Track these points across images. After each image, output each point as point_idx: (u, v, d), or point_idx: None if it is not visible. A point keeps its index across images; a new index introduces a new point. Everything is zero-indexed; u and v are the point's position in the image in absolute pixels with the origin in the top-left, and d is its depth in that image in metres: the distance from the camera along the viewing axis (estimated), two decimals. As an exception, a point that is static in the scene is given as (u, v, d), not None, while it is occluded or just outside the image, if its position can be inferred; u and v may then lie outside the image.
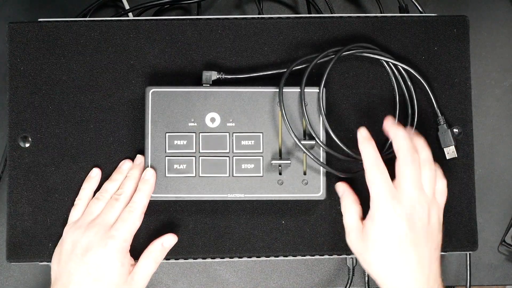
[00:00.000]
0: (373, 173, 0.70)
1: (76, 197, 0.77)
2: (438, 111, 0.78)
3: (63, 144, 0.78)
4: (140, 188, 0.74)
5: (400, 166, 0.70)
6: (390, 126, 0.72)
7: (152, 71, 0.79)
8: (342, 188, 0.76)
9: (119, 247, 0.72)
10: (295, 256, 0.79)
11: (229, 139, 0.75)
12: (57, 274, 0.72)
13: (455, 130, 0.79)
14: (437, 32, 0.80)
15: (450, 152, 0.78)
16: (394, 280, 0.69)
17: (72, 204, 0.77)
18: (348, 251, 0.78)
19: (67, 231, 0.74)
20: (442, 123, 0.78)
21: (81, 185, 0.77)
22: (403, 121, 0.78)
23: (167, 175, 0.75)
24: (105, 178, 0.77)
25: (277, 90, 0.76)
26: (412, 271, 0.68)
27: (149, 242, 0.77)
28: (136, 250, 0.76)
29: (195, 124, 0.75)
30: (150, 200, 0.76)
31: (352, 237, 0.72)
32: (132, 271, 0.73)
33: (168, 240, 0.76)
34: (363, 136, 0.72)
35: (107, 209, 0.74)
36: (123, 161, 0.77)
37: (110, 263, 0.71)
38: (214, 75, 0.77)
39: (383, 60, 0.77)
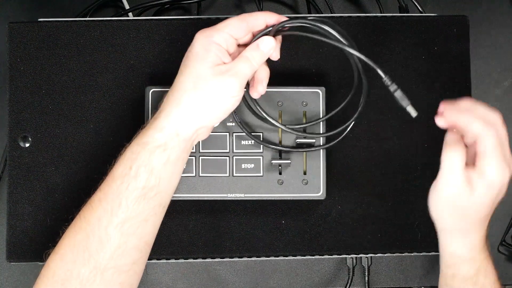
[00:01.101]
0: (493, 142, 0.64)
1: (75, 197, 0.77)
2: (380, 72, 0.67)
3: (63, 144, 0.78)
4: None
5: (491, 150, 0.65)
6: (455, 114, 0.66)
7: (152, 71, 0.79)
8: (456, 139, 0.66)
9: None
10: (295, 256, 0.79)
11: (229, 138, 0.75)
12: None
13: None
14: (437, 32, 0.80)
15: (412, 110, 0.69)
16: (477, 233, 0.68)
17: (72, 204, 0.77)
18: (348, 251, 0.78)
19: None
20: (389, 83, 0.68)
21: (81, 186, 0.77)
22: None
23: (167, 175, 0.75)
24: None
25: (278, 90, 0.76)
26: (487, 223, 0.68)
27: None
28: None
29: (195, 124, 0.75)
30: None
31: (453, 191, 0.65)
32: (224, 69, 0.66)
33: (265, 42, 0.67)
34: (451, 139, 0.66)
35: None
36: None
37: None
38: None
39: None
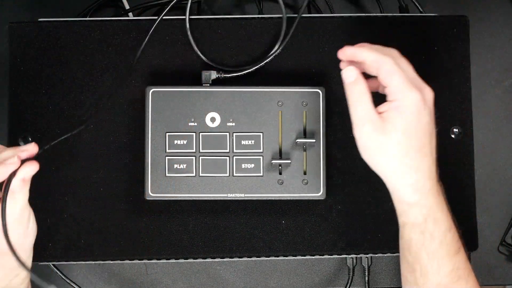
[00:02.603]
0: (391, 64, 0.65)
1: (75, 197, 0.77)
2: None
3: (63, 144, 0.78)
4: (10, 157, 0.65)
5: (391, 72, 0.65)
6: (352, 50, 0.67)
7: (152, 71, 0.79)
8: (353, 73, 0.66)
9: None
10: (295, 256, 0.79)
11: (229, 138, 0.75)
12: None
13: (455, 130, 0.79)
14: (437, 32, 0.80)
15: None
16: (415, 172, 0.65)
17: (72, 204, 0.77)
18: (348, 251, 0.78)
19: None
20: None
21: (80, 186, 0.77)
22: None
23: (167, 175, 0.75)
24: (103, 178, 0.77)
25: (278, 90, 0.76)
26: (429, 163, 0.66)
27: (149, 243, 0.77)
28: (136, 250, 0.76)
29: (195, 123, 0.75)
30: (150, 200, 0.75)
31: (368, 129, 0.65)
32: None
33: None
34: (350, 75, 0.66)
35: None
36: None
37: None
38: (214, 75, 0.77)
39: None
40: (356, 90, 0.66)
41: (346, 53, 0.67)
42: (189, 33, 0.78)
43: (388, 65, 0.65)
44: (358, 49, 0.67)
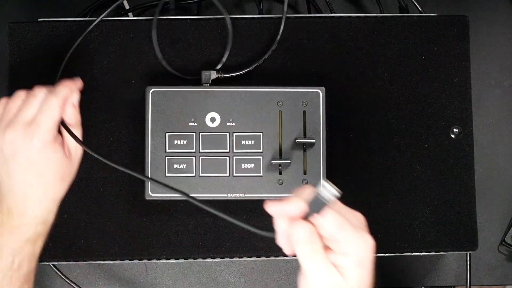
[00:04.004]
0: (337, 215, 0.60)
1: (75, 197, 0.77)
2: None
3: (63, 144, 0.78)
4: (61, 83, 0.70)
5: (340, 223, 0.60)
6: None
7: (152, 71, 0.79)
8: (306, 229, 0.59)
9: (45, 139, 0.67)
10: (295, 256, 0.79)
11: (229, 139, 0.75)
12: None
13: (455, 130, 0.79)
14: (437, 32, 0.80)
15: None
16: None
17: (72, 204, 0.77)
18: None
19: None
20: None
21: (80, 185, 0.77)
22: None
23: (167, 175, 0.75)
24: (103, 178, 0.77)
25: (278, 90, 0.76)
26: None
27: (149, 243, 0.77)
28: (136, 250, 0.76)
29: (195, 124, 0.75)
30: (150, 200, 0.76)
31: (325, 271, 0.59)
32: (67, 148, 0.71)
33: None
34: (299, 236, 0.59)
35: (24, 106, 0.68)
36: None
37: (44, 156, 0.67)
38: (213, 75, 0.77)
39: None
40: (311, 249, 0.59)
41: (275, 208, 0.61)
42: (153, 33, 0.78)
43: (335, 215, 0.60)
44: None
